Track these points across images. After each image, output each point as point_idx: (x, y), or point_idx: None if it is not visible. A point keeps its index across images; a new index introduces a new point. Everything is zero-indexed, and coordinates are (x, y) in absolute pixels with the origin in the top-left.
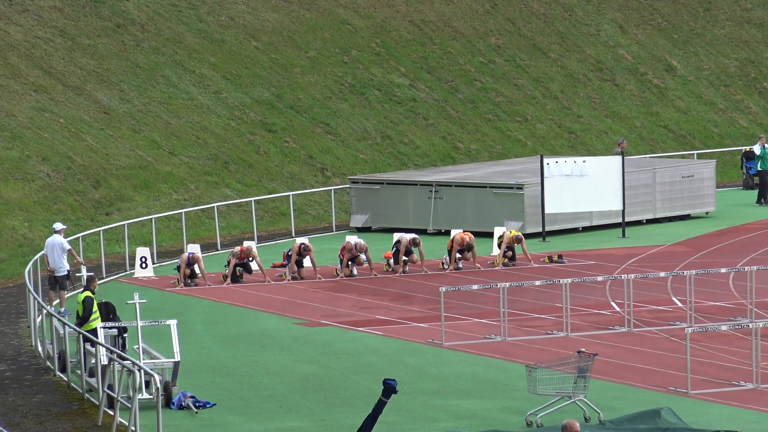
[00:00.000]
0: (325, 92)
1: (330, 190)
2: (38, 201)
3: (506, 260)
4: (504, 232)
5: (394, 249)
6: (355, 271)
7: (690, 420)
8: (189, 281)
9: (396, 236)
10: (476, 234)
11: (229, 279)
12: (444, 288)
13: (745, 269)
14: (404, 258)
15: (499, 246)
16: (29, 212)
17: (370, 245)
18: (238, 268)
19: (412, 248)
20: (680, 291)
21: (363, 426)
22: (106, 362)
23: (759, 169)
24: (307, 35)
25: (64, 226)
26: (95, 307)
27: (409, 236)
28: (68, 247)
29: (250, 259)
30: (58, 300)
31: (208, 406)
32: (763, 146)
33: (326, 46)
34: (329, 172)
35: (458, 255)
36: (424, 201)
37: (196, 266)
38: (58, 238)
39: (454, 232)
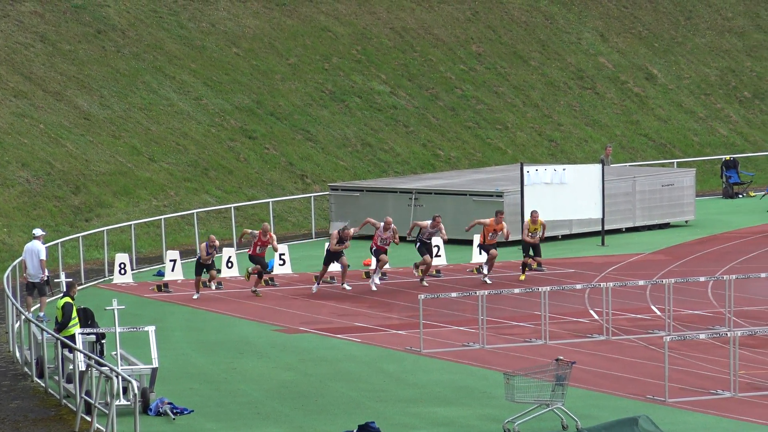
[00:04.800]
0: (306, 99)
1: (310, 197)
2: (17, 206)
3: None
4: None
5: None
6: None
7: (667, 428)
8: (209, 283)
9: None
10: (455, 242)
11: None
12: (423, 296)
13: (724, 278)
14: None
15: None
16: (8, 218)
17: (349, 253)
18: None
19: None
20: (659, 299)
21: None
22: (83, 368)
23: None
24: (288, 42)
25: (44, 233)
26: (74, 313)
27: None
28: (42, 257)
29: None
30: (37, 305)
31: (185, 412)
32: None
33: (307, 53)
34: (309, 179)
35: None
36: (404, 208)
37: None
38: (37, 244)
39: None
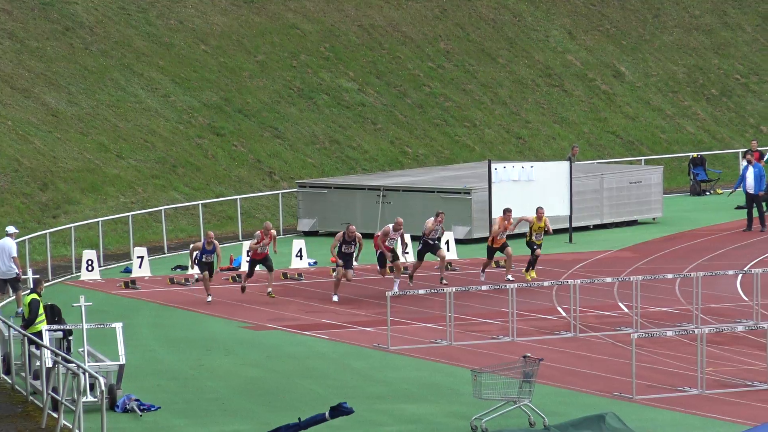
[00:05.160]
0: (274, 96)
1: (278, 194)
2: None
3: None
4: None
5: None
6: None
7: (635, 425)
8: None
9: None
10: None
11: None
12: (390, 292)
13: (691, 275)
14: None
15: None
16: None
17: (316, 250)
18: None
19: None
20: (626, 296)
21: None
22: (50, 365)
23: None
24: (256, 39)
25: (16, 231)
26: (41, 310)
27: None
28: (14, 254)
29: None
30: (7, 300)
31: (152, 409)
32: None
33: (275, 50)
34: (277, 176)
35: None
36: (372, 205)
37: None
38: (9, 242)
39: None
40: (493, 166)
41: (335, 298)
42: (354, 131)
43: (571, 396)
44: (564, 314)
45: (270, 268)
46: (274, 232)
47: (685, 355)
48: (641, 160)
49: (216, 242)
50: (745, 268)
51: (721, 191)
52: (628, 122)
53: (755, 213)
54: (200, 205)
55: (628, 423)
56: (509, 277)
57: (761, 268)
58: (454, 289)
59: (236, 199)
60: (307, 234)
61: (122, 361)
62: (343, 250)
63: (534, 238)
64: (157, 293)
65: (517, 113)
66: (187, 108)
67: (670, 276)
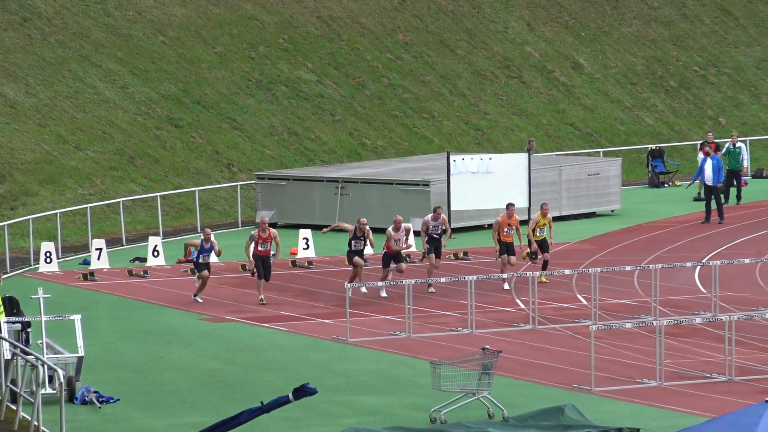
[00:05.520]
0: (232, 88)
1: (236, 186)
2: None
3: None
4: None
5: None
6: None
7: (593, 417)
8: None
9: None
10: (382, 231)
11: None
12: (350, 284)
13: (650, 267)
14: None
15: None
16: None
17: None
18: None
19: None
20: (585, 288)
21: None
22: (9, 357)
23: (727, 168)
24: (215, 30)
25: None
26: None
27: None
28: None
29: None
30: None
31: (111, 401)
32: (733, 144)
33: (233, 41)
34: (235, 168)
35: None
36: (331, 197)
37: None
38: None
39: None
40: (452, 157)
41: (363, 289)
42: (312, 123)
43: (529, 388)
44: (523, 306)
45: (267, 275)
46: (274, 231)
47: (644, 347)
48: (600, 152)
49: (214, 240)
50: (704, 260)
51: (680, 183)
52: (586, 114)
53: (714, 205)
54: (158, 197)
55: (587, 415)
56: (506, 286)
57: (719, 260)
58: (412, 281)
59: (195, 191)
60: None
61: (81, 353)
62: (352, 247)
63: (537, 234)
64: (115, 285)
65: (476, 105)
66: (146, 99)
67: (628, 268)
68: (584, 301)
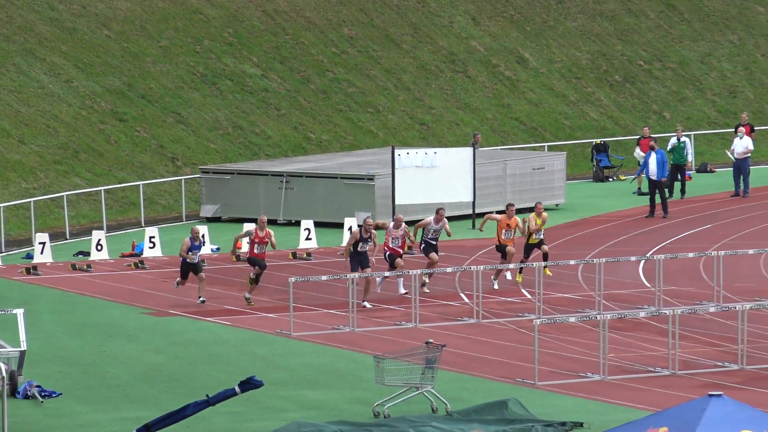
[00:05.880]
0: (177, 82)
1: (180, 180)
2: None
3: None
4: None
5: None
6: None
7: (537, 411)
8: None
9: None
10: (327, 225)
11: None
12: (293, 278)
13: (594, 261)
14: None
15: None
16: None
17: (219, 236)
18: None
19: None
20: (529, 282)
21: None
22: None
23: (672, 162)
24: (160, 24)
25: None
26: None
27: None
28: None
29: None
30: None
31: (54, 395)
32: (678, 139)
33: (178, 35)
34: (180, 162)
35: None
36: (275, 191)
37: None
38: None
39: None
40: (397, 152)
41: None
42: (257, 117)
43: (473, 382)
44: (467, 300)
45: (262, 269)
46: (271, 231)
47: (588, 341)
48: (544, 146)
49: (202, 240)
50: (648, 255)
51: (624, 177)
52: (531, 108)
53: (658, 199)
54: (102, 191)
55: (531, 409)
56: (508, 275)
57: (663, 254)
58: (356, 275)
59: (139, 185)
60: (209, 220)
61: (23, 347)
62: (358, 248)
63: (534, 236)
64: (59, 279)
65: (421, 99)
66: (90, 93)
67: (572, 262)
68: (528, 296)
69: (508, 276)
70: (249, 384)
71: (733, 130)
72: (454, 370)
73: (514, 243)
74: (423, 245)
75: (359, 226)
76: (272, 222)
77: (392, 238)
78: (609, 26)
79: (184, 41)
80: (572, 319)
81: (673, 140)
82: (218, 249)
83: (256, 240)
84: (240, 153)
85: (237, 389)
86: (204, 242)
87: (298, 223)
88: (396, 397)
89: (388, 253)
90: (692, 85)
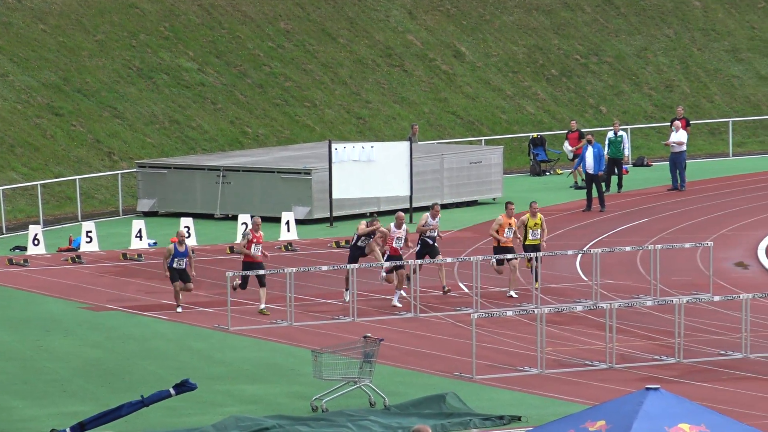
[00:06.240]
0: (113, 76)
1: (117, 175)
2: None
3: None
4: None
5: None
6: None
7: (474, 405)
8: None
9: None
10: (264, 219)
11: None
12: (230, 273)
13: (532, 255)
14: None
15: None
16: None
17: (156, 230)
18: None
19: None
20: (467, 276)
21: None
22: None
23: (609, 156)
24: (96, 18)
25: None
26: None
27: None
28: None
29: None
30: None
31: None
32: (616, 133)
33: (114, 29)
34: (116, 156)
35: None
36: (212, 186)
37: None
38: None
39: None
40: (334, 146)
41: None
42: (194, 111)
43: (411, 376)
44: (404, 294)
45: (262, 282)
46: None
47: (526, 335)
48: (481, 140)
49: (188, 244)
50: (585, 248)
51: (561, 171)
52: (468, 102)
53: (595, 193)
54: (39, 186)
55: (469, 403)
56: (512, 293)
57: (600, 248)
58: (294, 269)
59: (75, 179)
60: (146, 214)
61: None
62: (358, 243)
63: (530, 237)
64: None
65: (358, 93)
66: (26, 88)
67: (510, 256)
68: (466, 290)
69: (513, 294)
70: (183, 387)
71: (669, 123)
72: (392, 364)
73: (513, 241)
74: (419, 245)
75: (368, 222)
76: (209, 217)
77: (396, 238)
78: (546, 20)
79: (120, 35)
80: (510, 313)
81: (611, 134)
82: (155, 244)
83: (254, 240)
84: (177, 147)
85: (171, 391)
86: (187, 248)
87: (235, 218)
88: (334, 391)
89: (388, 254)
90: (629, 79)
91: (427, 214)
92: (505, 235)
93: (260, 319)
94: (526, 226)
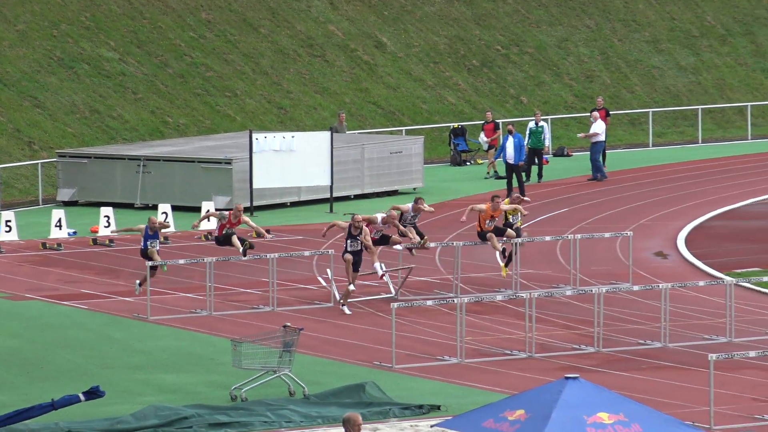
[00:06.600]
0: (34, 66)
1: (37, 164)
2: None
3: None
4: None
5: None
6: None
7: (394, 394)
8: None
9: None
10: (184, 209)
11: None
12: (150, 262)
13: (452, 244)
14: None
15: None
16: None
17: (76, 219)
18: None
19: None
20: (387, 266)
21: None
22: None
23: (529, 146)
24: (16, 8)
25: None
26: None
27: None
28: None
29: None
30: None
31: None
32: (537, 123)
33: (35, 19)
34: (37, 146)
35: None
36: (132, 175)
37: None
38: None
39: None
40: (255, 136)
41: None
42: (114, 101)
43: (331, 365)
44: (324, 284)
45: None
46: (247, 218)
47: (445, 324)
48: (402, 130)
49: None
50: (504, 238)
51: (482, 161)
52: (389, 93)
53: (515, 183)
54: None
55: (388, 392)
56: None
57: (520, 237)
58: (214, 259)
59: None
60: (66, 204)
61: None
62: (348, 248)
63: (511, 220)
64: None
65: (279, 83)
66: None
67: (432, 245)
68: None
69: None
70: (93, 394)
71: (589, 114)
72: (312, 353)
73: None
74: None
75: (350, 222)
76: (129, 206)
77: (376, 231)
78: (467, 11)
79: (41, 25)
80: (430, 303)
81: (531, 124)
82: (75, 233)
83: (227, 225)
84: (97, 137)
85: (81, 397)
86: (158, 234)
87: (155, 207)
88: (253, 380)
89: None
90: (549, 70)
91: (410, 205)
92: (486, 225)
93: (180, 308)
94: (505, 213)
